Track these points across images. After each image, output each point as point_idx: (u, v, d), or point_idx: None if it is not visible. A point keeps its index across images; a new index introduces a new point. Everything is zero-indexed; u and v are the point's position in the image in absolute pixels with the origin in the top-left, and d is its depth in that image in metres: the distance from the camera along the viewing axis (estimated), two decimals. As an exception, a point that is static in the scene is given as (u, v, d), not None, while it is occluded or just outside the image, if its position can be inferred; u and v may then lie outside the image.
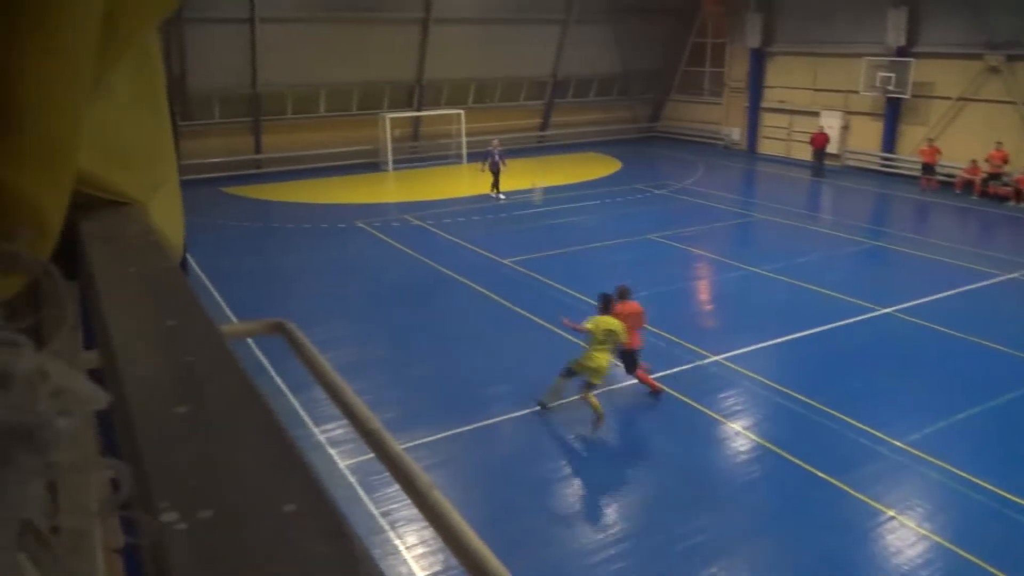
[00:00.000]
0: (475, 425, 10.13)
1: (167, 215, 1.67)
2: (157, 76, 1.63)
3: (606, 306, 10.26)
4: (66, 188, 1.02)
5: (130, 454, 0.62)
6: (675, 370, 11.59)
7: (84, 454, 0.77)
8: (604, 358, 9.91)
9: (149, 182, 1.52)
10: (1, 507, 0.39)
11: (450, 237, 19.31)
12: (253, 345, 11.35)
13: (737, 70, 33.05)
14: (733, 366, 11.82)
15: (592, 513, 8.48)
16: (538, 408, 10.42)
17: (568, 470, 9.22)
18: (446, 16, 28.25)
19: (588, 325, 10.03)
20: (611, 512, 8.49)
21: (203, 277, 15.25)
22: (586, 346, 10.04)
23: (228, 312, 13.55)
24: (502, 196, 23.51)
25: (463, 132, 29.17)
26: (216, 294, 14.55)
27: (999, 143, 23.67)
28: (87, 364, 1.05)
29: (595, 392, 10.02)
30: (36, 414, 0.40)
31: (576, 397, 10.20)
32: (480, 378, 11.65)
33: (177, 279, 1.07)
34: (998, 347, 12.38)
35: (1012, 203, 22.85)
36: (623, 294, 10.74)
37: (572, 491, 8.85)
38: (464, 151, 29.43)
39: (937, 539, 7.86)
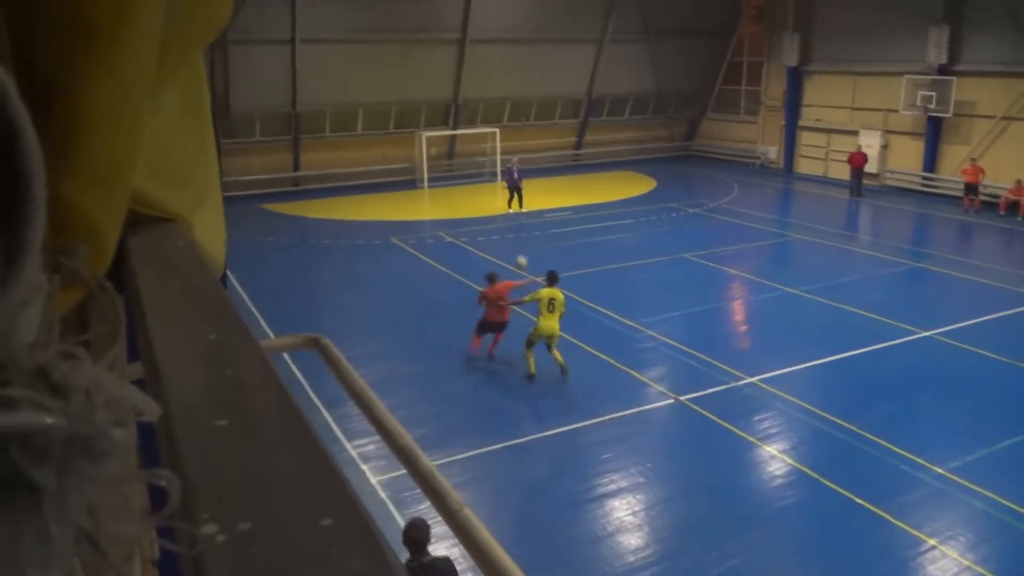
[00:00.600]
0: (508, 443, 10.11)
1: (210, 231, 1.70)
2: (203, 96, 1.68)
3: (552, 280, 12.19)
4: (122, 206, 1.05)
5: (172, 465, 0.64)
6: (710, 391, 11.45)
7: (132, 466, 0.79)
8: (552, 323, 11.88)
9: (193, 199, 1.56)
10: (61, 515, 0.40)
11: (484, 255, 19.38)
12: (288, 359, 11.49)
13: (774, 88, 32.82)
14: (769, 388, 11.64)
15: (624, 535, 8.38)
16: (529, 379, 11.95)
17: (600, 490, 9.14)
18: (482, 36, 28.55)
19: (528, 298, 12.15)
20: (643, 534, 8.38)
21: (242, 292, 15.50)
22: (535, 318, 12.11)
23: (265, 327, 13.74)
24: (520, 211, 23.97)
25: (498, 150, 29.35)
26: (254, 309, 14.77)
27: (1045, 163, 23.12)
28: (131, 376, 1.08)
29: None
30: (93, 424, 0.42)
31: (605, 417, 10.13)
32: (514, 395, 11.64)
33: (218, 294, 1.09)
34: (1045, 372, 12.02)
35: (1059, 224, 22.26)
36: (491, 279, 12.79)
37: (604, 511, 8.77)
38: (499, 169, 29.59)
39: (980, 570, 7.61)
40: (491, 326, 12.67)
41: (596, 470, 9.55)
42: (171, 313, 1.00)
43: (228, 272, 2.23)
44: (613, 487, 9.19)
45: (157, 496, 0.56)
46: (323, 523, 0.55)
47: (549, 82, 31.19)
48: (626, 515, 8.66)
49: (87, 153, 0.94)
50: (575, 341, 13.37)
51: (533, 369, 12.00)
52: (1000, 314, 14.76)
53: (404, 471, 1.49)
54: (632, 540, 8.26)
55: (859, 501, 8.69)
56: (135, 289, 1.09)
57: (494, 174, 29.65)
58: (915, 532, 8.18)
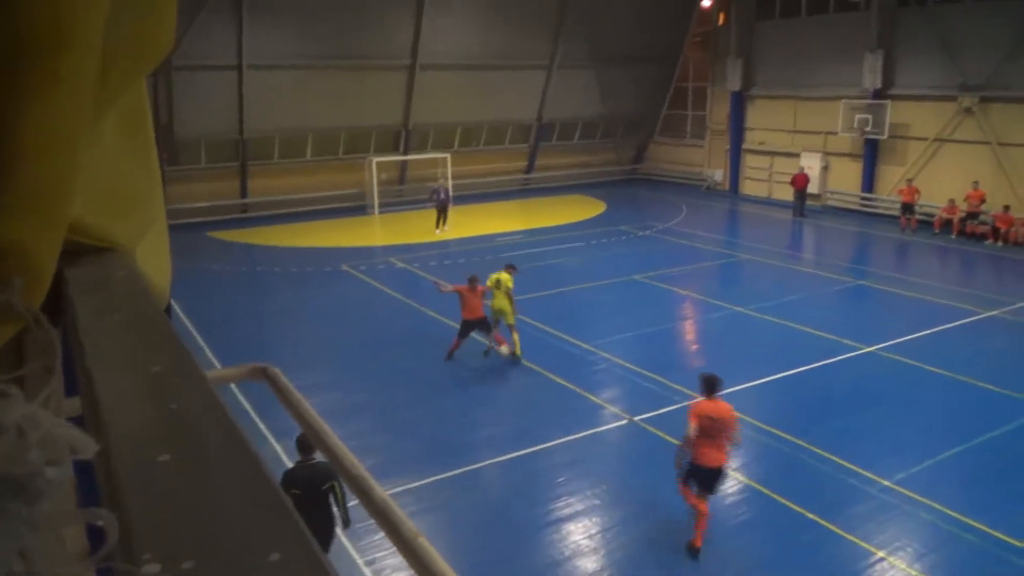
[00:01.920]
0: (463, 469, 10.02)
1: (154, 260, 1.66)
2: (146, 122, 1.65)
3: (510, 270, 14.07)
4: (59, 237, 1.02)
5: (111, 503, 0.61)
6: (663, 411, 11.55)
7: (69, 504, 0.76)
8: (503, 301, 13.52)
9: (136, 228, 1.52)
10: (-7, 559, 0.38)
11: (436, 280, 19.32)
12: (237, 391, 11.23)
13: (718, 112, 33.68)
14: (721, 406, 11.79)
15: (580, 558, 8.35)
16: (484, 354, 13.64)
17: (556, 514, 9.11)
18: (432, 62, 28.71)
19: (488, 283, 13.68)
20: (599, 557, 8.36)
21: (187, 322, 15.14)
22: (488, 301, 13.65)
23: (212, 358, 13.43)
24: (445, 230, 24.85)
25: (449, 176, 29.45)
26: (201, 340, 14.43)
27: (976, 183, 24.14)
28: (69, 412, 1.04)
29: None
30: (26, 464, 0.40)
31: (560, 440, 10.12)
32: (468, 422, 11.57)
33: (162, 325, 1.07)
34: (981, 384, 12.45)
35: (990, 242, 23.21)
36: (473, 281, 13.74)
37: (560, 536, 8.73)
38: (450, 194, 29.63)
39: (929, 580, 7.79)
40: (470, 325, 13.55)
41: (552, 494, 9.53)
42: (112, 345, 0.97)
43: (173, 302, 2.17)
44: (569, 511, 9.17)
45: (97, 536, 0.54)
46: (271, 558, 0.54)
47: (499, 107, 31.48)
48: (582, 539, 8.65)
49: (21, 181, 0.91)
50: (528, 363, 13.38)
51: (511, 350, 13.56)
52: (938, 328, 15.27)
53: (357, 501, 1.46)
54: (589, 564, 8.24)
55: (810, 516, 8.84)
56: (74, 321, 1.06)
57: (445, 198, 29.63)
58: (864, 544, 8.34)
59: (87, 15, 0.92)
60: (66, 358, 1.10)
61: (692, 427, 8.21)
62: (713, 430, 8.20)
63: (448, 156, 29.57)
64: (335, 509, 7.21)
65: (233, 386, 10.15)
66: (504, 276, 13.77)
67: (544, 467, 10.14)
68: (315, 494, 6.99)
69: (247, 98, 26.04)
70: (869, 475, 9.69)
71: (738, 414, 8.60)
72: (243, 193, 28.02)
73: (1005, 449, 10.44)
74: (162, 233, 1.89)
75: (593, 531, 8.77)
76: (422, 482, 9.66)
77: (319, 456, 6.72)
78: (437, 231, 25.01)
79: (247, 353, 13.28)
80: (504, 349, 13.56)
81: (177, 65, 23.96)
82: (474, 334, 13.65)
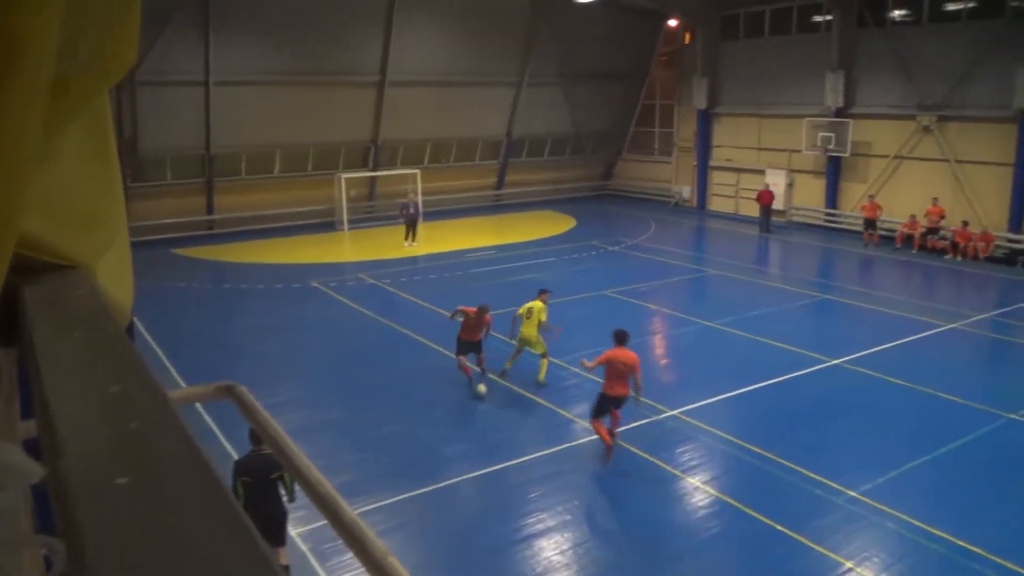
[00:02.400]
0: (433, 487, 9.94)
1: (115, 278, 1.63)
2: (109, 137, 1.62)
3: (544, 296, 13.74)
4: (6, 255, 0.99)
5: (67, 528, 0.59)
6: (633, 425, 11.59)
7: (18, 531, 0.74)
8: (531, 330, 13.16)
9: (98, 244, 1.49)
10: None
11: (406, 296, 19.25)
12: (203, 411, 11.04)
13: (685, 130, 34.14)
14: (690, 420, 11.87)
15: (552, 575, 8.31)
16: (501, 375, 13.44)
17: (528, 530, 9.07)
18: (401, 79, 28.74)
19: (520, 311, 13.42)
20: (571, 573, 8.33)
21: (152, 342, 14.88)
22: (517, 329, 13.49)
23: (177, 377, 13.19)
24: (414, 245, 25.04)
25: (419, 191, 29.44)
26: (165, 359, 14.18)
27: (935, 199, 24.73)
28: (24, 434, 1.01)
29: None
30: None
31: (531, 456, 10.08)
32: (438, 439, 11.49)
33: (123, 344, 1.04)
34: (944, 395, 12.69)
35: (949, 256, 23.76)
36: (483, 309, 13.32)
37: (532, 552, 8.69)
38: (421, 210, 29.60)
39: (896, 590, 7.88)
40: (465, 346, 13.24)
41: (523, 510, 9.49)
42: (69, 365, 0.94)
43: (137, 321, 2.13)
44: (541, 527, 9.14)
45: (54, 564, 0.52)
46: (232, 583, 0.52)
47: (469, 124, 31.58)
48: (554, 555, 8.61)
49: None
50: (496, 378, 13.35)
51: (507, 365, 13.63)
52: (900, 341, 15.55)
53: (325, 521, 1.44)
54: (562, 580, 8.20)
55: (779, 527, 8.90)
56: (31, 340, 1.03)
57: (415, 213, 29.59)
58: (833, 555, 8.41)
59: (39, 23, 0.90)
60: (23, 379, 1.07)
61: (596, 364, 10.82)
62: (621, 371, 10.58)
63: (418, 172, 29.56)
64: (284, 496, 7.60)
65: (199, 406, 9.98)
66: (537, 305, 13.35)
67: (516, 483, 10.10)
68: (265, 482, 7.47)
69: (214, 114, 25.81)
70: (836, 486, 9.80)
71: (638, 360, 10.66)
72: (209, 209, 27.70)
73: (967, 459, 10.64)
74: (124, 249, 1.86)
75: (565, 547, 8.74)
76: (394, 499, 9.56)
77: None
78: (406, 244, 25.01)
79: (214, 372, 13.07)
80: (481, 388, 12.82)
81: (142, 80, 23.69)
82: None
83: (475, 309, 13.18)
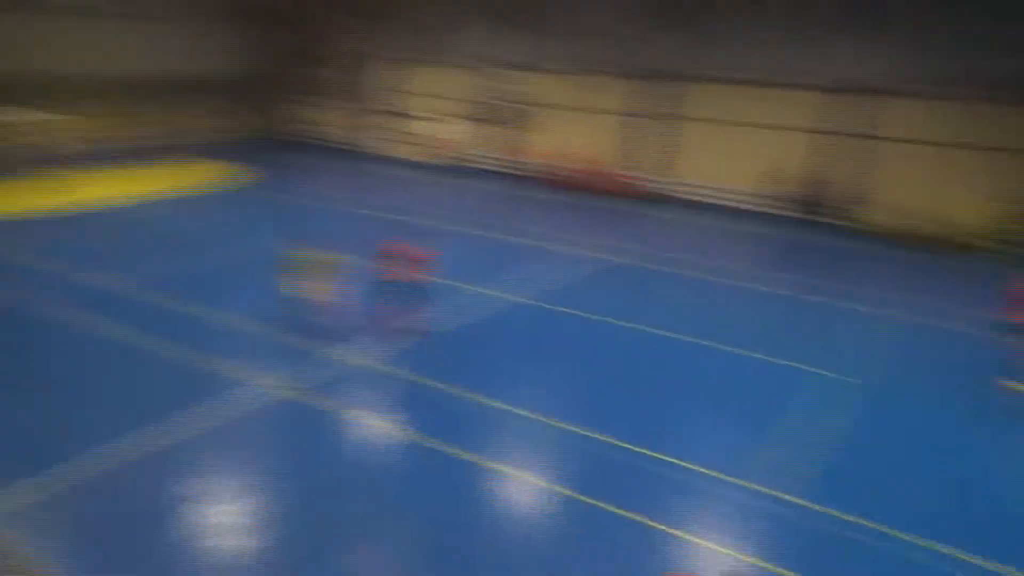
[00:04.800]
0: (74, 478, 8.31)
1: None
2: None
3: None
4: None
5: None
6: (305, 376, 10.84)
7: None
8: None
9: None
10: None
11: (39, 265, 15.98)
12: None
13: (364, 77, 33.29)
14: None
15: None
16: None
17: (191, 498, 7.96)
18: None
19: None
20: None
21: None
22: None
23: None
24: None
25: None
26: None
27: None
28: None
29: None
30: None
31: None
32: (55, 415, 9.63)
33: None
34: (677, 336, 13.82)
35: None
36: None
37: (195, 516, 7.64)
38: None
39: (750, 559, 8.26)
40: None
41: (190, 479, 8.31)
42: None
43: None
44: (199, 490, 8.07)
45: None
46: None
47: (102, 59, 27.13)
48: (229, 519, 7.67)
49: None
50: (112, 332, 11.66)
51: None
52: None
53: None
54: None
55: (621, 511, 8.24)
56: None
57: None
58: (668, 528, 7.98)
59: None
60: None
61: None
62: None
63: (37, 116, 24.61)
64: None
65: None
66: None
67: (170, 447, 8.84)
68: None
69: None
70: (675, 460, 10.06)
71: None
72: None
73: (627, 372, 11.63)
74: None
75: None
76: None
77: None
78: None
79: None
80: None
81: None
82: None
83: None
